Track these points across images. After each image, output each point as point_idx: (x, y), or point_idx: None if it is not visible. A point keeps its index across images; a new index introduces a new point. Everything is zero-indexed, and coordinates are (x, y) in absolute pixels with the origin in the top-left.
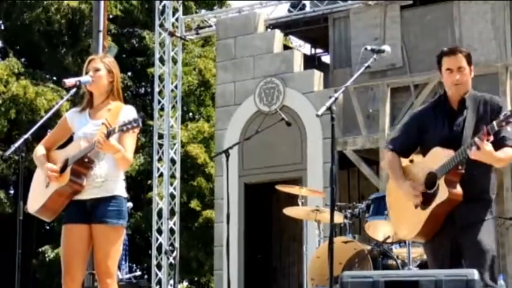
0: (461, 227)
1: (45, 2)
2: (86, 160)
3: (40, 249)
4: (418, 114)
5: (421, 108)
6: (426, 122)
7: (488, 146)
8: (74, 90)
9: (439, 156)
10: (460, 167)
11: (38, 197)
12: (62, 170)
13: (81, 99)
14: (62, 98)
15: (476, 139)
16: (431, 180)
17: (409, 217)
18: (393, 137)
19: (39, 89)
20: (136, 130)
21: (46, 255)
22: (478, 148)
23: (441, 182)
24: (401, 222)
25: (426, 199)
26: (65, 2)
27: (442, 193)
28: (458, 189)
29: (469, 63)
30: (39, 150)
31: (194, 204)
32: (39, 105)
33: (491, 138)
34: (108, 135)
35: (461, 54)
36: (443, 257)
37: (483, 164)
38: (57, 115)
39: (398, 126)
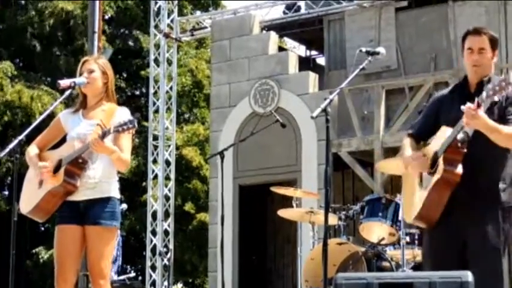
0: (465, 217)
1: (39, 5)
2: (80, 161)
3: (34, 251)
4: (437, 98)
5: (441, 92)
6: (444, 105)
7: (480, 112)
8: (69, 91)
9: (443, 135)
10: (459, 145)
11: (31, 197)
12: (56, 170)
13: (74, 102)
14: (56, 100)
15: (465, 108)
16: (434, 159)
17: (413, 199)
18: (414, 122)
19: (34, 93)
20: (132, 131)
21: (40, 256)
22: (467, 115)
23: (440, 161)
24: (407, 206)
25: (429, 179)
26: (59, 5)
27: (438, 172)
28: (458, 169)
29: (494, 47)
30: (32, 150)
31: (188, 207)
32: (35, 109)
33: (481, 109)
34: (103, 136)
35: (485, 36)
36: (446, 246)
37: (495, 147)
38: (52, 117)
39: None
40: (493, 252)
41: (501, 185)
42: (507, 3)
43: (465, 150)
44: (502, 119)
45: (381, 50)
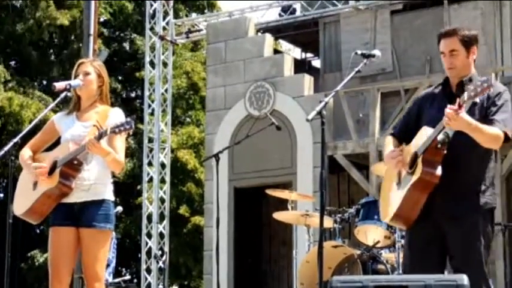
0: (444, 218)
1: (37, 14)
2: (75, 162)
3: (29, 254)
4: (419, 99)
5: (424, 92)
6: (425, 105)
7: (461, 112)
8: (64, 94)
9: (423, 135)
10: (439, 145)
11: (25, 199)
12: (50, 172)
13: (68, 104)
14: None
15: (447, 109)
16: (413, 159)
17: (390, 199)
18: (397, 122)
19: (24, 101)
20: (129, 132)
21: (35, 259)
22: (449, 116)
23: (419, 161)
24: (383, 204)
25: (408, 179)
26: (57, 18)
27: (416, 173)
28: (437, 170)
29: (467, 46)
30: (26, 152)
31: (183, 210)
32: (24, 117)
33: (462, 110)
34: (100, 137)
35: (456, 36)
36: (424, 248)
37: (476, 149)
38: (44, 122)
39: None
40: (474, 254)
41: (481, 187)
42: (503, 6)
43: (445, 151)
44: (484, 119)
45: (376, 52)
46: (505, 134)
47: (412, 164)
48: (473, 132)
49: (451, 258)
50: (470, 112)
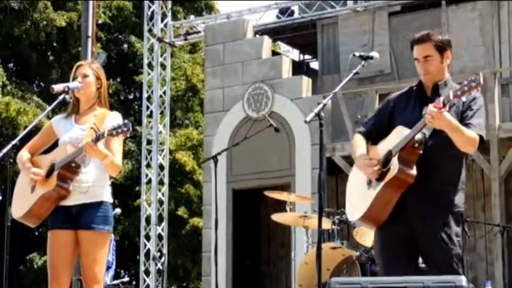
0: (416, 218)
1: (34, 15)
2: (73, 165)
3: (28, 257)
4: (392, 99)
5: (396, 94)
6: (398, 107)
7: (444, 111)
8: (62, 96)
9: (398, 134)
10: (416, 145)
11: (23, 202)
12: (48, 174)
13: (65, 108)
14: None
15: (430, 107)
16: (387, 158)
17: (360, 198)
18: (366, 120)
19: (21, 107)
20: (126, 134)
21: (34, 262)
22: (432, 115)
23: (394, 159)
24: (352, 203)
25: (379, 178)
26: (54, 19)
27: (391, 171)
28: (412, 170)
29: (441, 51)
30: (24, 154)
31: (181, 211)
32: (20, 122)
33: (446, 109)
34: (97, 139)
35: (430, 42)
36: (397, 248)
37: (450, 150)
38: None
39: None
40: (447, 254)
41: (454, 189)
42: (501, 8)
43: (421, 151)
44: (461, 123)
45: (374, 54)
46: (480, 137)
47: (385, 163)
48: (453, 132)
49: (424, 258)
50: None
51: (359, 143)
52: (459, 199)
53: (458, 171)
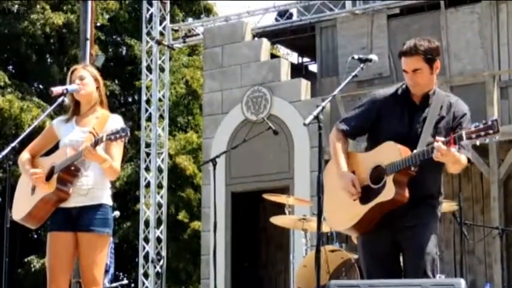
0: (401, 227)
1: (31, 16)
2: (73, 168)
3: (26, 259)
4: (379, 100)
5: (383, 93)
6: (385, 111)
7: (452, 149)
8: (61, 99)
9: (391, 151)
10: (412, 169)
11: (23, 204)
12: (48, 177)
13: (65, 110)
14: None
15: (440, 144)
16: (377, 174)
17: (345, 208)
18: (347, 116)
19: (24, 104)
20: (125, 139)
21: (32, 265)
22: (442, 154)
23: (389, 180)
24: (335, 211)
25: (368, 193)
26: (51, 18)
27: (388, 192)
28: (406, 192)
29: (430, 63)
30: (24, 156)
31: (182, 215)
32: (24, 120)
33: (456, 147)
34: (96, 144)
35: (418, 55)
36: (382, 255)
37: (434, 166)
38: (42, 127)
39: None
40: (427, 261)
41: (435, 200)
42: (499, 11)
43: (414, 173)
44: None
45: (373, 57)
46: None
47: (375, 178)
48: (451, 164)
49: (406, 265)
50: (436, 128)
51: (340, 148)
52: (439, 207)
53: (438, 182)
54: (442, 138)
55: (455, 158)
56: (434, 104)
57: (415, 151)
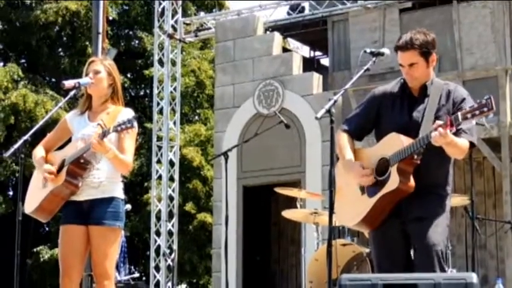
0: (410, 218)
1: (44, 6)
2: (82, 161)
3: (35, 249)
4: (378, 96)
5: (382, 90)
6: (385, 106)
7: (450, 135)
8: (73, 92)
9: (394, 142)
10: (415, 157)
11: (35, 197)
12: (59, 170)
13: (77, 102)
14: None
15: (439, 129)
16: (383, 166)
17: (354, 203)
18: (349, 117)
19: (38, 98)
20: (131, 131)
21: (40, 255)
22: (440, 135)
23: (393, 170)
24: (345, 208)
25: (374, 185)
26: (64, 4)
27: (392, 182)
28: (411, 181)
29: (425, 54)
30: (38, 151)
31: (189, 207)
32: (38, 114)
33: (454, 129)
34: (103, 135)
35: (413, 49)
36: (392, 247)
37: (440, 155)
38: (55, 120)
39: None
40: (435, 254)
41: (445, 190)
42: None
43: (419, 161)
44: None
45: (385, 51)
46: (470, 143)
47: (381, 171)
48: (448, 146)
49: (415, 259)
50: (437, 117)
51: (345, 144)
52: (449, 201)
53: (447, 173)
54: (441, 122)
55: (451, 141)
56: (433, 93)
57: (417, 139)
